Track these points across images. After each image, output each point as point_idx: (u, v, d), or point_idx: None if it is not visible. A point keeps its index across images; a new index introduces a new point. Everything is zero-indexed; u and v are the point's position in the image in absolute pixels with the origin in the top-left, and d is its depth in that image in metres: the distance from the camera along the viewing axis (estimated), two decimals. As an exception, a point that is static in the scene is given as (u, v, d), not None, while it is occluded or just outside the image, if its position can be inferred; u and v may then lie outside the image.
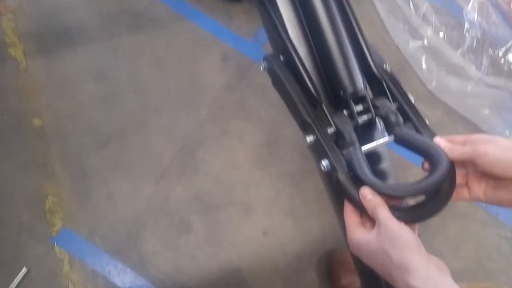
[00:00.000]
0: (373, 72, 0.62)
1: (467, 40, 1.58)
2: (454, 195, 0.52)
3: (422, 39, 1.55)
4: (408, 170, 1.31)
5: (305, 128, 0.58)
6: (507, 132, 1.48)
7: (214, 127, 1.30)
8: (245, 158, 1.27)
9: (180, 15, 1.40)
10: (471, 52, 1.56)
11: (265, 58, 0.64)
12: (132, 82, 1.30)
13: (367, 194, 0.48)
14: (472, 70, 1.51)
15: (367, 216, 0.50)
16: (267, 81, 0.63)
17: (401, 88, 0.61)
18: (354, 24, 0.63)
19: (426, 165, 0.51)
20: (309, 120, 0.57)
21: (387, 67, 0.64)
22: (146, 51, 1.35)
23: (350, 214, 0.51)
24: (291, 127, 1.31)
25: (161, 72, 1.33)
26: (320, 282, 1.17)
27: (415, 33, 1.56)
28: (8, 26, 1.31)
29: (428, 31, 1.55)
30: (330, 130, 0.56)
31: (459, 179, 0.52)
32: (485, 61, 1.54)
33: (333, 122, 0.56)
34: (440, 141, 0.52)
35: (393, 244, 0.43)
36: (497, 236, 1.36)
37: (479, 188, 0.53)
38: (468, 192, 0.54)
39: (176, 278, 1.11)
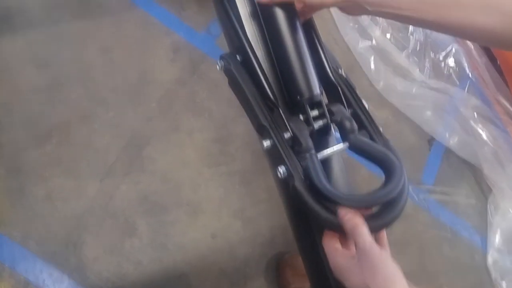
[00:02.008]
0: (329, 77, 0.61)
1: (412, 43, 1.65)
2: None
3: (371, 39, 1.59)
4: (357, 171, 1.35)
5: (262, 132, 0.56)
6: (447, 134, 1.55)
7: (163, 123, 1.24)
8: (194, 156, 1.23)
9: (129, 2, 1.32)
10: (415, 55, 1.63)
11: (222, 57, 0.61)
12: (77, 72, 1.20)
13: (345, 213, 0.47)
14: (416, 72, 1.58)
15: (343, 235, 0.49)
16: (219, 75, 0.61)
17: (356, 95, 0.61)
18: (312, 28, 0.62)
19: None
20: (266, 124, 0.55)
21: (343, 72, 0.64)
22: (93, 39, 1.25)
23: (329, 240, 0.50)
24: (243, 124, 1.28)
25: (108, 62, 1.24)
26: (268, 287, 1.16)
27: (364, 33, 1.59)
28: None
29: (376, 32, 1.60)
30: (287, 135, 0.55)
31: None
32: (427, 64, 1.62)
33: (290, 127, 0.55)
34: None
35: (374, 275, 0.43)
36: (438, 237, 1.43)
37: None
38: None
39: (118, 285, 1.04)
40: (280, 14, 0.59)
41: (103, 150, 1.15)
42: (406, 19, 0.57)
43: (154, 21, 1.33)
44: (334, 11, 1.55)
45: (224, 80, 0.61)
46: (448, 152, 1.58)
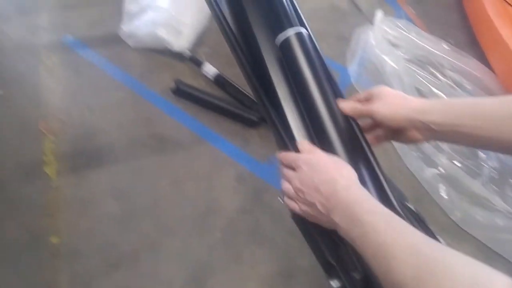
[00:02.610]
0: (397, 211, 0.58)
1: (486, 170, 1.54)
2: (374, 140, 0.66)
3: (437, 166, 1.52)
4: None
5: (329, 271, 0.53)
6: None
7: (226, 253, 1.22)
8: (257, 291, 1.16)
9: (201, 139, 1.46)
10: (493, 183, 1.50)
11: None
12: (150, 202, 1.30)
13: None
14: (498, 201, 1.43)
15: None
16: (283, 205, 0.60)
17: (429, 229, 0.56)
18: (374, 164, 0.61)
19: None
20: (333, 262, 0.51)
21: (411, 205, 0.61)
22: (166, 173, 1.36)
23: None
24: (307, 256, 1.22)
25: (179, 193, 1.32)
26: None
27: (429, 161, 1.53)
28: (49, 147, 1.36)
29: (442, 159, 1.53)
30: (358, 276, 0.50)
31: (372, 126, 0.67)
32: (510, 193, 1.48)
33: (361, 266, 0.51)
34: (343, 104, 0.63)
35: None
36: None
37: (385, 133, 0.66)
38: (382, 137, 0.67)
39: None
40: (338, 145, 0.60)
41: (167, 281, 1.15)
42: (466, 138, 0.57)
43: (220, 153, 1.43)
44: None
45: (287, 210, 0.61)
46: None
